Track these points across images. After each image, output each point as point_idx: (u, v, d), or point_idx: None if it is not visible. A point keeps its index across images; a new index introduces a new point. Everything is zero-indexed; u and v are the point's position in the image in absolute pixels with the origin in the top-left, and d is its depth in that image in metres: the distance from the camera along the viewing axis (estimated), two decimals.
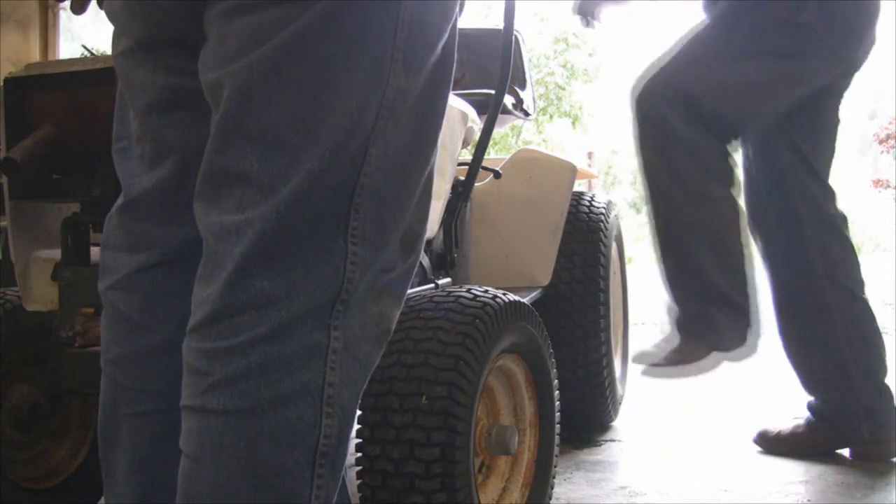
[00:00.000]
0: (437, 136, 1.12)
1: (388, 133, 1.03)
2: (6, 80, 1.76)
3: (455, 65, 1.14)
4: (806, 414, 2.80)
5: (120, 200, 1.27)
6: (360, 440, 1.62)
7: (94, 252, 1.82)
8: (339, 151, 0.99)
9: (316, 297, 0.99)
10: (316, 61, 0.99)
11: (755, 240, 2.76)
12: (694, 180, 2.44)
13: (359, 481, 1.63)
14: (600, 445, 3.00)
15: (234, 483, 0.96)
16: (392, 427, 1.58)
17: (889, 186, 16.51)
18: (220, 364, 0.97)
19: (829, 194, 2.68)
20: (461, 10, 1.21)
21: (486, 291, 1.79)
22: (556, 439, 2.03)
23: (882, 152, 17.22)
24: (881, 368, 2.70)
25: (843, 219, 2.69)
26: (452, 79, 1.12)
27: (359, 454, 1.62)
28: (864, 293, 2.72)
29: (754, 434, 2.86)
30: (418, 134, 1.08)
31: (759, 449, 2.83)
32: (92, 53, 2.46)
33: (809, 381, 2.77)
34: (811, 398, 2.78)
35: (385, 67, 1.01)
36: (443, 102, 1.12)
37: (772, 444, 2.79)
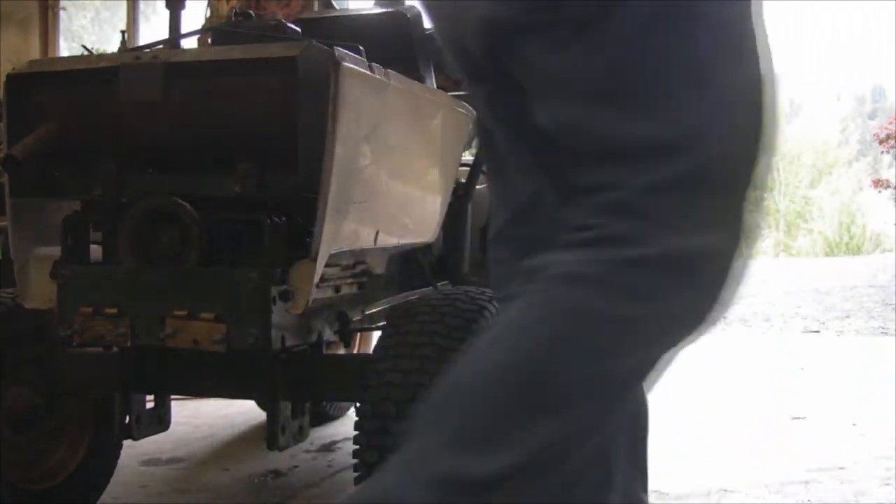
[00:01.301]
0: None
1: None
2: (9, 77, 1.75)
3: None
4: (805, 414, 2.79)
5: (507, 215, 1.29)
6: (357, 446, 1.61)
7: (94, 250, 1.82)
8: None
9: None
10: None
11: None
12: None
13: (355, 460, 1.63)
14: None
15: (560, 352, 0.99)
16: (389, 434, 1.57)
17: (889, 186, 16.51)
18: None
19: None
20: None
21: (482, 293, 1.78)
22: None
23: (882, 152, 17.23)
24: None
25: None
26: None
27: (355, 461, 1.61)
28: None
29: None
30: None
31: (759, 449, 2.83)
32: (92, 54, 2.46)
33: None
34: None
35: None
36: None
37: None
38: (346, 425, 3.38)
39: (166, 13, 2.02)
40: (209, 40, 2.30)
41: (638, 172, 1.00)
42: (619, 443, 1.27)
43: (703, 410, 3.46)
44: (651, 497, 2.39)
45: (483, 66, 1.17)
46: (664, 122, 1.01)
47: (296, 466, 2.80)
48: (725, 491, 2.45)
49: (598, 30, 1.02)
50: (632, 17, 1.01)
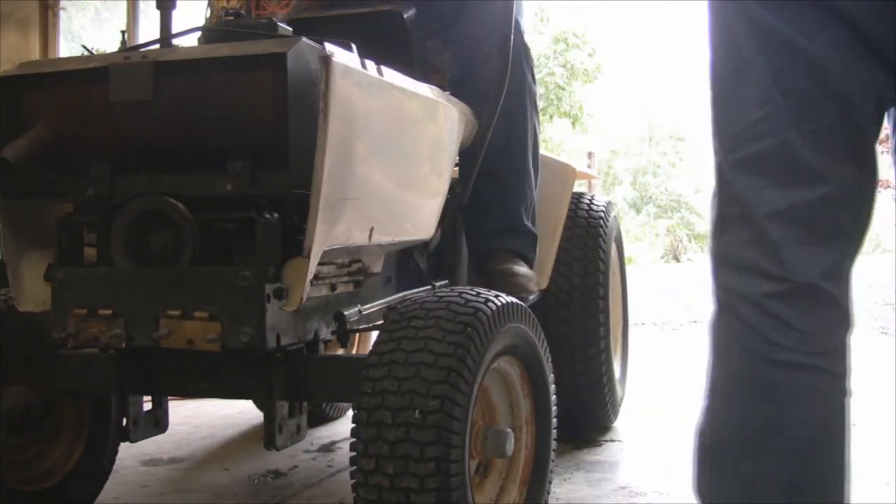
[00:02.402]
0: None
1: None
2: (0, 79, 1.75)
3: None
4: None
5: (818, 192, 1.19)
6: (353, 453, 1.60)
7: (88, 252, 1.81)
8: None
9: None
10: None
11: None
12: None
13: (353, 495, 1.61)
14: (600, 445, 2.99)
15: None
16: (385, 442, 1.55)
17: (889, 186, 16.47)
18: None
19: None
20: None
21: (477, 295, 1.76)
22: (554, 433, 2.01)
23: (882, 152, 17.17)
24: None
25: None
26: None
27: (353, 467, 1.60)
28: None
29: None
30: None
31: None
32: (92, 54, 2.44)
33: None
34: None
35: None
36: None
37: None
38: (345, 425, 3.36)
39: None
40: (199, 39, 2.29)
41: None
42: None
43: None
44: (651, 497, 2.39)
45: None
46: None
47: (296, 466, 2.80)
48: None
49: None
50: None
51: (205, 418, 3.55)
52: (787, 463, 1.18)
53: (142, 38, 6.21)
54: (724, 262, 1.25)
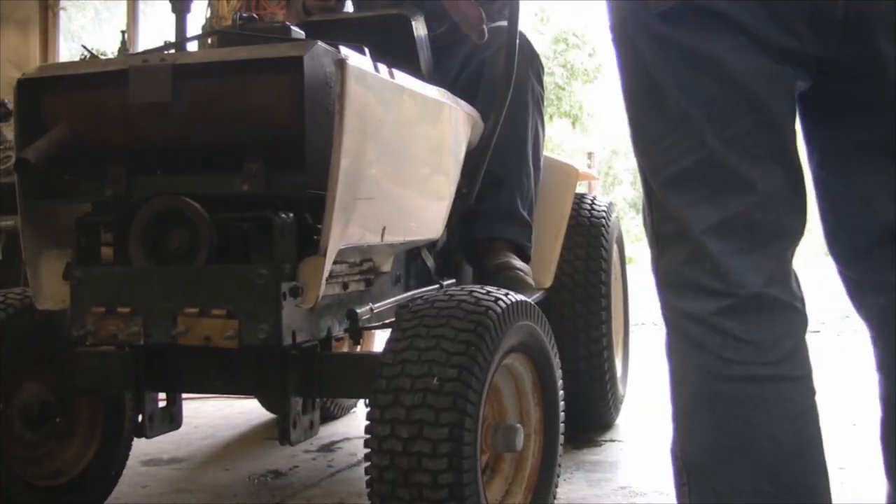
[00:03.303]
0: None
1: None
2: (20, 82, 1.77)
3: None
4: None
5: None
6: (368, 450, 1.64)
7: (105, 252, 1.84)
8: None
9: None
10: None
11: None
12: None
13: (366, 463, 1.65)
14: (600, 445, 3.01)
15: None
16: (399, 439, 1.59)
17: None
18: None
19: None
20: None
21: (487, 293, 1.81)
22: (561, 439, 2.05)
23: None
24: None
25: None
26: None
27: (367, 463, 1.64)
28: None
29: None
30: None
31: None
32: (92, 53, 2.47)
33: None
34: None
35: None
36: None
37: None
38: (346, 425, 3.40)
39: (161, 14, 2.04)
40: (210, 42, 2.32)
41: None
42: None
43: None
44: (651, 497, 2.41)
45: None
46: None
47: (296, 466, 2.81)
48: None
49: None
50: None
51: (205, 418, 3.55)
52: (761, 475, 1.16)
53: (142, 38, 6.22)
54: (667, 284, 1.24)
